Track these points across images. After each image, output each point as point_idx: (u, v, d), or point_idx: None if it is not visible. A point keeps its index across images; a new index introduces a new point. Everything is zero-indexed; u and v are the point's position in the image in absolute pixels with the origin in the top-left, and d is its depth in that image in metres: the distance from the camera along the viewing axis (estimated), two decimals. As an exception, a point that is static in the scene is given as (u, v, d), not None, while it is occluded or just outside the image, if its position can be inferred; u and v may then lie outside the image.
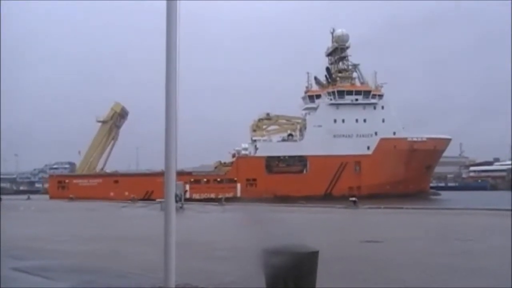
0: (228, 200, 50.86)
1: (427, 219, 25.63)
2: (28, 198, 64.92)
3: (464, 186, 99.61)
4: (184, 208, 34.98)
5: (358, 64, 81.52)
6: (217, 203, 46.28)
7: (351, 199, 39.48)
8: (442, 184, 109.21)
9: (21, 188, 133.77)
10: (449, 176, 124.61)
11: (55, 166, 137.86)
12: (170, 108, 6.55)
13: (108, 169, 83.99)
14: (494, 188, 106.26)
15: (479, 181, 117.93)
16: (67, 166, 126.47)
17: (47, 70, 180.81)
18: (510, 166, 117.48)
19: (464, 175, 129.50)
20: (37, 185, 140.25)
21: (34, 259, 10.19)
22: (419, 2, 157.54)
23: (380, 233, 17.56)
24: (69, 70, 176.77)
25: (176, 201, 9.41)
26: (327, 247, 8.99)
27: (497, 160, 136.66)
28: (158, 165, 53.27)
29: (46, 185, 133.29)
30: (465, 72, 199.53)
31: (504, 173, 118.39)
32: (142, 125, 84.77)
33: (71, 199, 60.52)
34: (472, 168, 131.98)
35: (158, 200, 35.87)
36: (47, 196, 76.11)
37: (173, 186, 6.55)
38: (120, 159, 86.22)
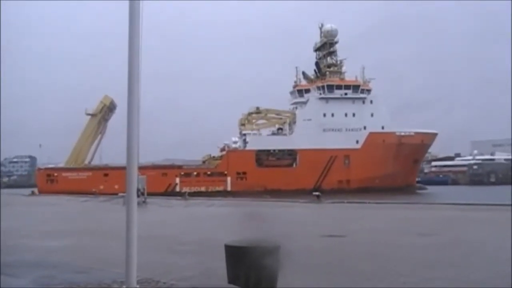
0: (191, 194, 51.01)
1: (391, 213, 25.67)
2: None
3: (426, 180, 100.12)
4: (147, 202, 35.00)
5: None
6: (180, 197, 46.00)
7: (314, 193, 39.13)
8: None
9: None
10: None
11: (14, 160, 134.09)
12: (132, 103, 6.53)
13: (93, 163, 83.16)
14: (455, 183, 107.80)
15: (441, 176, 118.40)
16: (27, 159, 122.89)
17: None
18: (471, 162, 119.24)
19: (426, 170, 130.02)
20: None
21: (-8, 255, 10.12)
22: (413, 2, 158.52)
23: (343, 227, 17.71)
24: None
25: (138, 196, 9.41)
26: (290, 241, 9.06)
27: (458, 155, 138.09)
28: (120, 160, 52.42)
29: (6, 179, 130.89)
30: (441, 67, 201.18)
31: (465, 168, 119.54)
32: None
33: (33, 193, 59.91)
34: (434, 163, 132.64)
35: (120, 194, 35.35)
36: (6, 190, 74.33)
37: (135, 180, 6.53)
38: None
